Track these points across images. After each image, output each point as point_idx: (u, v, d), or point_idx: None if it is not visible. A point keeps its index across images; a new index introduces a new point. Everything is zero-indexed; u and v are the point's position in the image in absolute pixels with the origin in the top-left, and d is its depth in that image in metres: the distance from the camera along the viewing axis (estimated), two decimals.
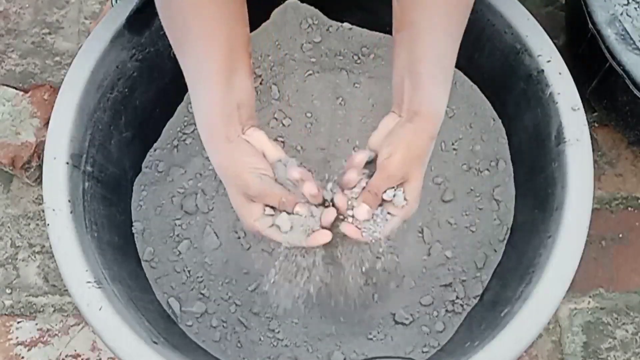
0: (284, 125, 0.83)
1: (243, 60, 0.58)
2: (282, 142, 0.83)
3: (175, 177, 0.81)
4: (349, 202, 0.57)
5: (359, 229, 0.57)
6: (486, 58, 0.79)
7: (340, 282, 0.77)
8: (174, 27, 0.58)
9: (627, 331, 0.82)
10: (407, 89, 0.57)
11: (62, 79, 0.70)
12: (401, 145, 0.56)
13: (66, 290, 0.69)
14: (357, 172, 0.58)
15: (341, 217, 0.58)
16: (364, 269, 0.66)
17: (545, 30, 0.72)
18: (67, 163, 0.68)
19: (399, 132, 0.57)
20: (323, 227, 0.58)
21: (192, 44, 0.56)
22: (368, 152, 0.59)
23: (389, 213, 0.58)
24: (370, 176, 0.58)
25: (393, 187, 0.57)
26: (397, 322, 0.75)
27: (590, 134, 0.68)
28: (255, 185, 0.56)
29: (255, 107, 0.60)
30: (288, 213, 0.57)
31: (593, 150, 0.69)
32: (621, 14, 0.79)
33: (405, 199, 0.57)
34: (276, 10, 0.85)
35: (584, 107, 0.69)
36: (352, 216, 0.57)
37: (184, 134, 0.84)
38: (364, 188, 0.57)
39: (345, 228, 0.58)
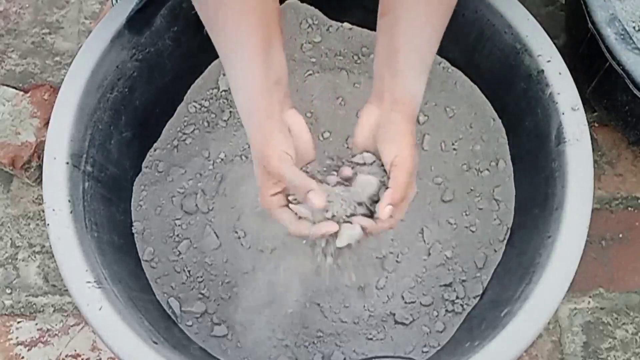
0: None
1: (278, 34, 0.58)
2: None
3: (175, 177, 0.81)
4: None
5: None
6: (486, 58, 0.79)
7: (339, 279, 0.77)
8: (207, 5, 0.58)
9: (627, 331, 0.82)
10: (387, 78, 0.58)
11: (62, 79, 0.70)
12: (403, 138, 0.57)
13: (66, 290, 0.69)
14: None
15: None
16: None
17: (545, 30, 0.72)
18: (67, 163, 0.68)
19: (390, 125, 0.58)
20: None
21: (229, 20, 0.56)
22: (351, 169, 0.59)
23: None
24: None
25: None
26: (397, 322, 0.75)
27: (590, 134, 0.68)
28: (276, 164, 0.56)
29: (288, 84, 0.61)
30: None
31: (593, 150, 0.69)
32: (621, 13, 0.79)
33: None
34: None
35: (584, 107, 0.69)
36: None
37: (184, 134, 0.84)
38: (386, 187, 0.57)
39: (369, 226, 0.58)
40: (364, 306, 0.76)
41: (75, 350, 0.82)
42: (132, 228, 0.78)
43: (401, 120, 0.57)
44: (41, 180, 0.67)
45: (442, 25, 0.60)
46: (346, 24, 0.87)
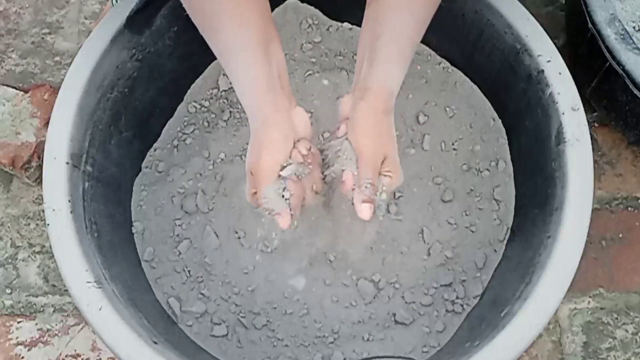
0: None
1: (274, 31, 0.59)
2: None
3: (175, 177, 0.81)
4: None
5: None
6: (486, 58, 0.79)
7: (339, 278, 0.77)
8: (202, 8, 0.58)
9: (627, 331, 0.82)
10: (364, 67, 0.59)
11: (62, 79, 0.70)
12: (363, 127, 0.58)
13: (66, 290, 0.69)
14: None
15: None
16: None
17: (545, 30, 0.72)
18: (67, 163, 0.68)
19: (355, 114, 0.58)
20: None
21: (227, 20, 0.57)
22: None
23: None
24: None
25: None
26: (397, 322, 0.75)
27: (590, 134, 0.68)
28: (262, 175, 0.58)
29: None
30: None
31: (593, 150, 0.69)
32: (621, 13, 0.79)
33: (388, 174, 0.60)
34: (276, 10, 0.85)
35: (584, 107, 0.69)
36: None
37: (184, 134, 0.84)
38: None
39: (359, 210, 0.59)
40: (364, 306, 0.76)
41: (75, 350, 0.82)
42: (132, 228, 0.78)
43: (367, 110, 0.58)
44: (41, 180, 0.67)
45: (425, 20, 0.60)
46: (346, 24, 0.87)
